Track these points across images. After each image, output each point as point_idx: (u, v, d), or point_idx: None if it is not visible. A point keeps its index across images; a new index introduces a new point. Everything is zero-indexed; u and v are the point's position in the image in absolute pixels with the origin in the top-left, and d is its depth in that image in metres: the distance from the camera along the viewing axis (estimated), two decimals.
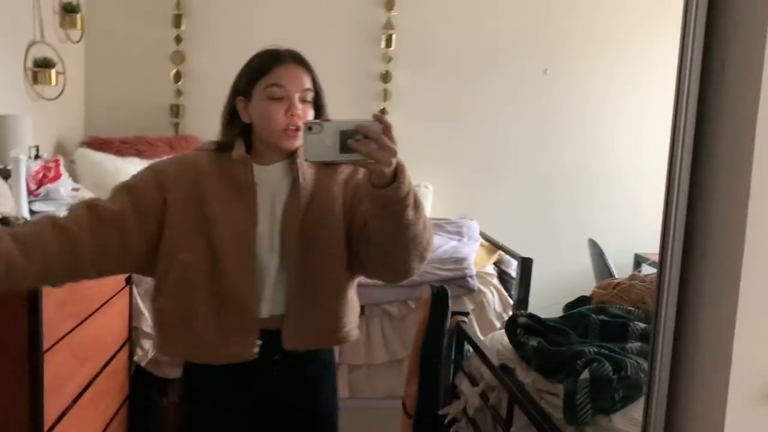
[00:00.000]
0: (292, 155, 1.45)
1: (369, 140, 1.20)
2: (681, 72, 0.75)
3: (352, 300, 1.53)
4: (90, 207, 1.37)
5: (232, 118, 1.47)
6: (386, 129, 1.20)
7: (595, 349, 1.45)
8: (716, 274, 0.77)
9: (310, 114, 1.43)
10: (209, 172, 1.43)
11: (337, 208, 1.44)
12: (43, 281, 1.36)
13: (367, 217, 1.36)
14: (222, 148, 1.47)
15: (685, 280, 0.79)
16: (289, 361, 1.46)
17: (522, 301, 2.90)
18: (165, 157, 3.44)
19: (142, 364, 2.74)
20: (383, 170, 1.21)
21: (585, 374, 1.36)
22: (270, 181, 1.44)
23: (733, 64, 0.76)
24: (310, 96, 1.43)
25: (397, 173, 1.23)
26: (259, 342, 1.42)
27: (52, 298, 1.93)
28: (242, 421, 1.52)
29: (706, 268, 0.78)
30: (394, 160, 1.21)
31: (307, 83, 1.43)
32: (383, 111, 3.86)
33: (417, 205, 1.29)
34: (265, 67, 1.42)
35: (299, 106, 1.40)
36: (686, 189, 0.78)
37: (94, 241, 1.33)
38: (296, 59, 1.44)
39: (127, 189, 1.41)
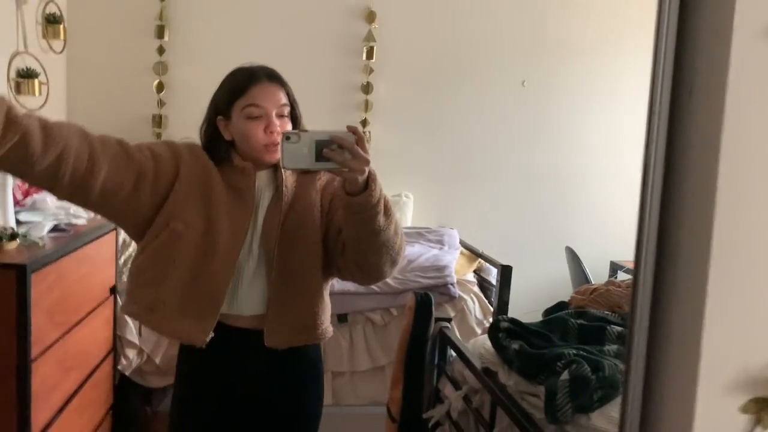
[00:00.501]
0: (275, 164, 1.52)
1: (343, 150, 1.28)
2: (652, 100, 0.82)
3: (326, 300, 1.60)
4: (120, 143, 1.41)
5: (213, 136, 1.53)
6: (359, 139, 1.29)
7: (575, 351, 1.51)
8: (686, 278, 0.83)
9: (288, 127, 1.51)
10: (214, 168, 1.50)
11: (315, 213, 1.52)
12: (48, 175, 1.30)
13: (341, 223, 1.43)
14: (215, 159, 1.52)
15: (658, 284, 0.86)
16: (273, 359, 1.52)
17: (502, 308, 2.96)
18: None
19: (127, 373, 2.75)
20: (356, 178, 1.29)
21: (565, 375, 1.42)
22: (257, 187, 1.51)
23: (700, 91, 0.83)
24: (286, 110, 1.51)
25: (369, 181, 1.31)
26: (212, 334, 1.47)
27: (40, 308, 1.94)
28: (227, 421, 1.57)
29: (677, 273, 0.84)
30: (366, 169, 1.30)
31: (283, 99, 1.50)
32: (364, 122, 3.92)
33: (388, 212, 1.37)
34: (242, 87, 1.48)
35: (277, 122, 1.48)
36: (659, 197, 0.84)
37: (110, 169, 1.36)
38: (270, 77, 1.51)
39: (150, 150, 1.45)
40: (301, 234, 1.50)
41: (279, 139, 1.42)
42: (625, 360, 0.88)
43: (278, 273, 1.48)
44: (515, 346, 1.61)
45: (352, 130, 1.30)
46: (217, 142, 1.52)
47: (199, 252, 1.45)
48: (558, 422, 1.41)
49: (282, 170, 1.50)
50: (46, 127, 1.26)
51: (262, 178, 1.52)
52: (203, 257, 1.45)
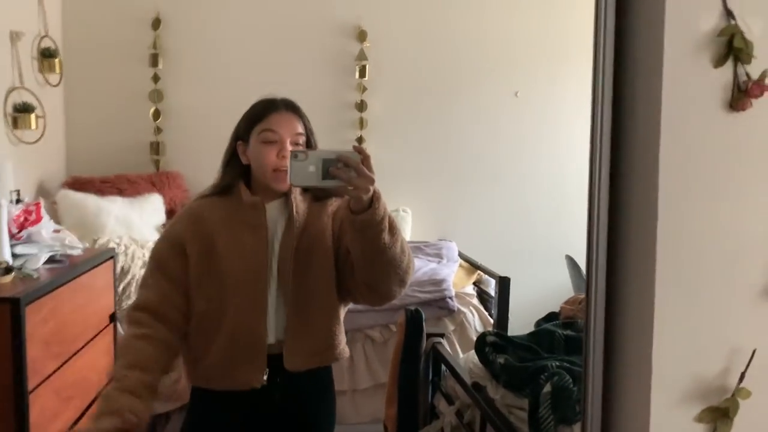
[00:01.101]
0: (287, 193, 1.57)
1: (349, 168, 1.33)
2: (594, 110, 0.84)
3: (342, 322, 1.65)
4: (142, 310, 1.51)
5: (231, 159, 1.60)
6: (365, 159, 1.34)
7: (558, 363, 1.51)
8: (635, 290, 0.84)
9: None
10: (215, 218, 1.55)
11: (327, 237, 1.57)
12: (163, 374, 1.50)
13: (348, 243, 1.48)
14: (223, 191, 1.59)
15: (610, 294, 0.87)
16: (291, 383, 1.56)
17: (501, 320, 2.96)
18: (150, 192, 3.46)
19: None
20: (361, 196, 1.34)
21: (547, 387, 1.42)
22: (270, 218, 1.55)
23: (638, 95, 0.84)
24: (301, 140, 1.57)
25: (373, 200, 1.36)
26: (267, 369, 1.53)
27: (36, 339, 1.97)
28: None
29: (626, 284, 0.85)
30: (371, 188, 1.35)
31: (299, 128, 1.56)
32: (360, 139, 3.95)
33: (393, 231, 1.41)
34: (261, 114, 1.56)
35: (290, 149, 1.53)
36: (606, 209, 0.86)
37: (167, 330, 1.49)
38: (289, 107, 1.58)
39: (158, 269, 1.55)
40: (315, 258, 1.54)
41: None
42: (582, 377, 0.88)
43: (294, 296, 1.53)
44: (501, 360, 1.62)
45: (358, 149, 1.35)
46: (233, 167, 1.59)
47: (227, 316, 1.51)
48: None
49: (292, 198, 1.56)
50: (134, 366, 1.43)
51: (273, 209, 1.56)
52: (233, 318, 1.51)
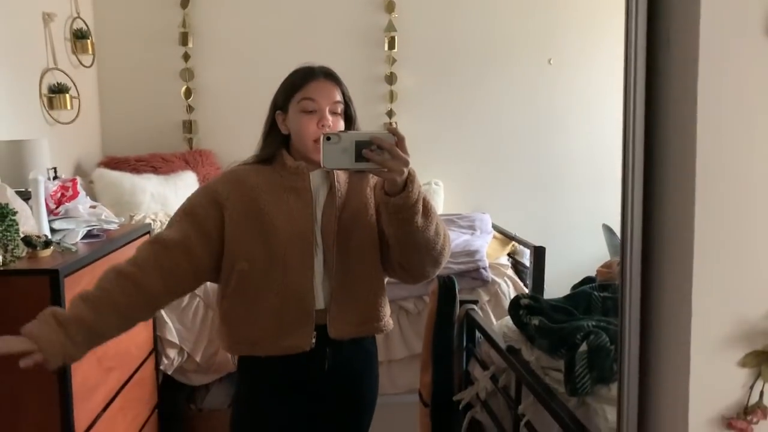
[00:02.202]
0: None
1: (383, 150, 1.30)
2: (627, 52, 0.80)
3: (386, 294, 1.64)
4: (154, 242, 1.51)
5: (271, 130, 1.59)
6: (399, 141, 1.32)
7: (594, 323, 1.48)
8: (673, 232, 0.81)
9: (341, 124, 1.55)
10: (259, 184, 1.54)
11: (369, 208, 1.56)
12: (125, 326, 1.48)
13: (383, 224, 1.47)
14: (264, 161, 1.58)
15: (646, 242, 0.83)
16: (337, 351, 1.56)
17: (536, 290, 2.92)
18: (183, 173, 3.50)
19: (169, 372, 2.83)
20: (395, 178, 1.32)
21: (583, 347, 1.39)
22: (313, 185, 1.55)
23: (678, 40, 0.80)
24: (340, 108, 1.54)
25: (407, 182, 1.33)
26: (314, 333, 1.52)
27: None
28: (295, 412, 1.60)
29: (663, 228, 0.82)
30: (405, 170, 1.32)
31: (337, 96, 1.54)
32: (390, 112, 3.92)
33: (427, 213, 1.40)
34: (299, 82, 1.54)
35: (329, 117, 1.52)
36: (641, 157, 0.82)
37: (162, 273, 1.46)
38: (327, 75, 1.55)
39: (188, 213, 1.53)
40: (358, 230, 1.54)
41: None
42: (619, 324, 0.86)
43: (339, 265, 1.52)
44: (535, 321, 1.59)
45: (392, 131, 1.33)
46: (273, 138, 1.58)
47: (275, 277, 1.50)
48: (578, 394, 1.39)
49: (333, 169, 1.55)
50: (86, 300, 1.42)
51: (316, 177, 1.55)
52: (281, 278, 1.50)
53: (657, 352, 0.83)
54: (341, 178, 1.56)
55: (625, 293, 0.83)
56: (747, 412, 0.78)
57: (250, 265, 1.49)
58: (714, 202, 0.75)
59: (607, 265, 1.97)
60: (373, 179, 1.58)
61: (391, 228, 1.43)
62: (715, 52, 0.74)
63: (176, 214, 1.55)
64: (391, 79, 3.92)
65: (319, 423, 1.62)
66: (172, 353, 2.81)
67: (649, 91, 0.81)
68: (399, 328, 2.94)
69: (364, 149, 1.31)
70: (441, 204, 3.89)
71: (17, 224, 1.96)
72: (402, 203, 1.34)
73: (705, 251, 0.76)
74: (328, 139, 1.34)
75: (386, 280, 1.64)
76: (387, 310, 1.63)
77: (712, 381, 0.78)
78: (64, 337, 1.36)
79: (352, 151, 1.32)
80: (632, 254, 0.81)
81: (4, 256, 1.92)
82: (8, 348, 1.33)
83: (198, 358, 2.84)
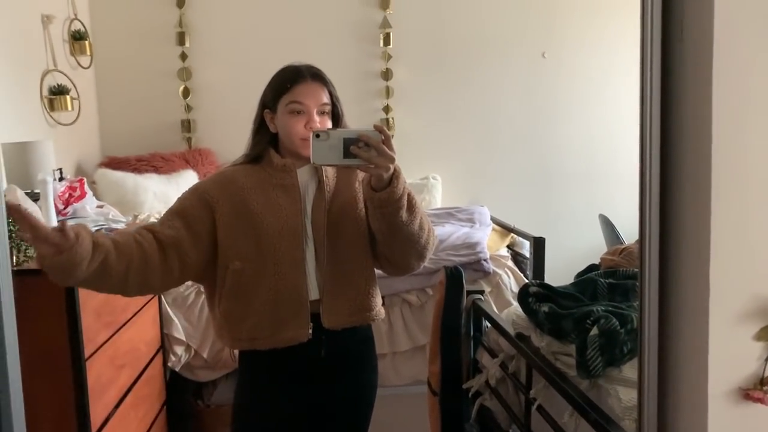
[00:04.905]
0: None
1: (370, 147, 1.36)
2: (643, 43, 0.84)
3: (377, 284, 1.68)
4: (151, 232, 1.51)
5: (260, 128, 1.63)
6: (386, 138, 1.37)
7: (603, 308, 1.53)
8: (690, 211, 0.85)
9: (328, 124, 1.59)
10: (248, 183, 1.58)
11: (357, 201, 1.60)
12: (119, 287, 1.45)
13: (369, 218, 1.53)
14: (254, 159, 1.62)
15: (664, 218, 0.87)
16: (332, 338, 1.60)
17: (537, 280, 2.97)
18: (180, 170, 3.50)
19: (176, 369, 2.85)
20: (381, 174, 1.38)
21: (594, 331, 1.44)
22: (301, 181, 1.59)
23: (691, 31, 0.84)
24: (327, 108, 1.59)
25: (393, 178, 1.39)
26: (311, 324, 1.56)
27: (88, 309, 2.04)
28: (296, 399, 1.64)
29: (681, 207, 0.86)
30: (391, 166, 1.38)
31: (324, 98, 1.58)
32: (386, 108, 3.95)
33: (411, 208, 1.45)
34: (287, 84, 1.57)
35: (317, 118, 1.56)
36: (658, 136, 0.86)
37: (161, 261, 1.48)
38: (314, 76, 1.59)
39: (179, 213, 1.55)
40: (347, 223, 1.58)
41: None
42: (639, 302, 0.90)
43: (329, 257, 1.56)
44: (545, 308, 1.64)
45: (378, 129, 1.38)
46: (262, 136, 1.62)
47: (268, 273, 1.54)
48: (590, 377, 1.43)
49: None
50: (115, 242, 1.39)
51: (304, 173, 1.60)
52: (274, 275, 1.54)
53: (676, 328, 0.88)
54: (330, 173, 1.61)
55: (645, 273, 0.87)
56: (763, 383, 0.83)
57: (244, 264, 1.53)
58: (729, 185, 0.80)
59: (611, 252, 2.02)
60: (360, 174, 1.62)
61: (377, 222, 1.48)
62: (729, 45, 0.78)
63: (167, 212, 1.57)
64: (386, 75, 3.96)
65: (321, 410, 1.66)
66: (180, 350, 2.83)
67: (663, 82, 0.85)
68: (402, 320, 2.98)
69: (351, 146, 1.36)
70: (439, 198, 3.93)
71: None
72: (387, 198, 1.40)
73: (721, 230, 0.80)
74: (318, 136, 1.39)
75: (377, 271, 1.68)
76: (378, 299, 1.67)
77: (730, 355, 0.83)
78: (88, 260, 1.31)
79: (340, 148, 1.38)
80: (650, 235, 0.86)
81: (17, 256, 1.95)
82: (48, 238, 1.25)
83: (205, 355, 2.87)
